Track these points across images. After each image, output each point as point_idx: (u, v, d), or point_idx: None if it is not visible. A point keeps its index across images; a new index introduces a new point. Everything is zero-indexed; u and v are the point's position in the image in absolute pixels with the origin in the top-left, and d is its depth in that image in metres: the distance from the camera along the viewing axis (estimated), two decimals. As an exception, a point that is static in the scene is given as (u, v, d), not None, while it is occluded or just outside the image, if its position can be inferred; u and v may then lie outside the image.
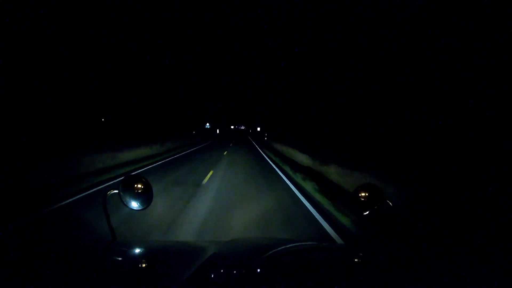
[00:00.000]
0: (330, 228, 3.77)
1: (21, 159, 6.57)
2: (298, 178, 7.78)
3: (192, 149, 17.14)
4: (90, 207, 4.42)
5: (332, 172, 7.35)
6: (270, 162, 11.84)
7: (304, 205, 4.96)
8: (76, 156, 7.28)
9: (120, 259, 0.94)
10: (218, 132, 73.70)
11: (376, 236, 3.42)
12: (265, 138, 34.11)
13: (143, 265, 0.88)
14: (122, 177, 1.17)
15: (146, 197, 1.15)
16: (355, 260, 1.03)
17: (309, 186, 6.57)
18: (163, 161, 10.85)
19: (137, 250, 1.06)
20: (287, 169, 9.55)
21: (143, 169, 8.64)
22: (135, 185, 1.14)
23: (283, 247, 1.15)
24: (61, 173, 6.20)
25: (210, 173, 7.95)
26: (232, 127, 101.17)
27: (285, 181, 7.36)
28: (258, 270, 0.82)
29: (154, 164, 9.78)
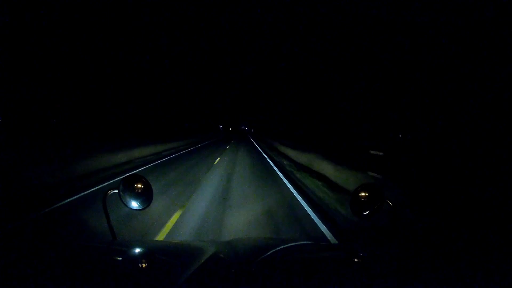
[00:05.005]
0: (261, 150, 17.86)
1: (23, 158, 6.56)
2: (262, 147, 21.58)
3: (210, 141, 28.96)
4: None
5: (283, 147, 16.17)
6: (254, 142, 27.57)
7: (261, 151, 17.27)
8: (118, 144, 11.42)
9: (120, 259, 0.94)
10: (230, 129, 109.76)
11: (375, 235, 3.41)
12: (255, 134, 56.75)
13: (143, 265, 0.88)
14: (122, 177, 1.17)
15: (146, 197, 1.14)
16: (353, 259, 1.03)
17: (262, 144, 25.96)
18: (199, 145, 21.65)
19: (137, 250, 1.06)
20: (261, 143, 25.12)
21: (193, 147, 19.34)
22: (135, 185, 1.14)
23: (281, 247, 1.15)
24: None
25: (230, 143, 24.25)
26: (231, 128, 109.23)
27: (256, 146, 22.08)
28: (257, 270, 0.82)
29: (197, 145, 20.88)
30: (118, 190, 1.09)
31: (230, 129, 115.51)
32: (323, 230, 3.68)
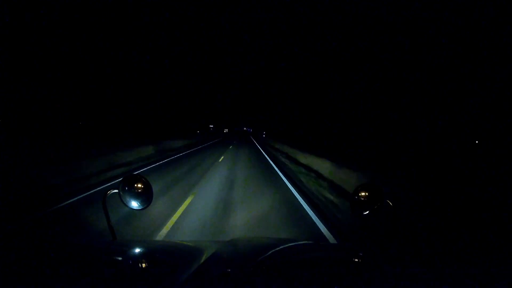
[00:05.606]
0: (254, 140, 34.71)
1: (23, 159, 6.56)
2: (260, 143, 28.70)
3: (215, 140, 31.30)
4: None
5: (277, 143, 19.19)
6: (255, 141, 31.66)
7: (256, 143, 26.16)
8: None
9: (120, 259, 0.94)
10: (226, 131, 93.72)
11: (375, 235, 3.41)
12: (263, 135, 53.50)
13: (143, 265, 0.88)
14: (122, 177, 1.17)
15: (146, 197, 1.15)
16: (353, 259, 1.03)
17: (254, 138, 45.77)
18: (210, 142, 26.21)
19: (137, 250, 1.06)
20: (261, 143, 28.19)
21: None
22: (135, 185, 1.14)
23: (281, 247, 1.15)
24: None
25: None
26: (237, 128, 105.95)
27: (256, 143, 26.95)
28: (257, 270, 0.82)
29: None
30: (118, 190, 1.09)
31: (226, 130, 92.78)
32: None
